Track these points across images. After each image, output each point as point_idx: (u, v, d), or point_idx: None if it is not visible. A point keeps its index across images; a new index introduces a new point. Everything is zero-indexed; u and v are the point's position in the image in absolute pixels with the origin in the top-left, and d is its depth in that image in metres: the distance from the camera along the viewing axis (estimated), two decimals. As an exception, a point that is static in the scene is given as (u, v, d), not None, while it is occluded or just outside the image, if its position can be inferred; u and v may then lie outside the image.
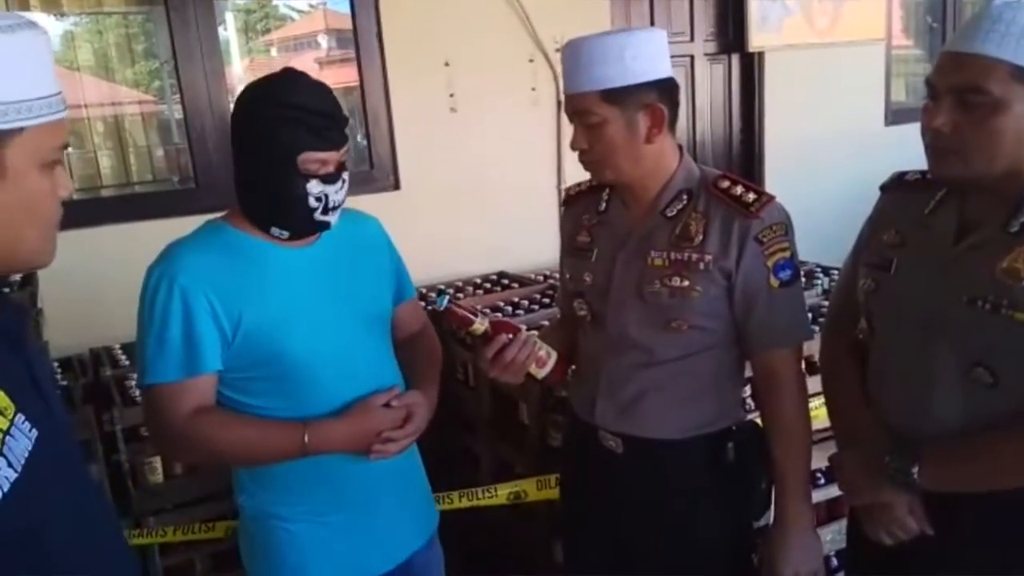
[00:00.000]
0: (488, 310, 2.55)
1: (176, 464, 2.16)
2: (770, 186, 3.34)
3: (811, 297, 2.54)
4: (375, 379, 1.41)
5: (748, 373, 1.48)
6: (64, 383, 2.25)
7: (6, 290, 2.15)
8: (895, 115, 4.47)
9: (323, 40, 4.16)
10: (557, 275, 1.79)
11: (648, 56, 1.32)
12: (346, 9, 3.13)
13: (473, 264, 3.26)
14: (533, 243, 3.30)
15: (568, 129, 1.39)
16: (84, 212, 2.67)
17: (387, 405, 1.38)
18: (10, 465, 0.76)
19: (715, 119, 4.11)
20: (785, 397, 1.39)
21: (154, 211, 2.75)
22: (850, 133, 4.24)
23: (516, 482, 2.20)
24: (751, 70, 4.07)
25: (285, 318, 1.32)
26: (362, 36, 3.10)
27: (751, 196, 1.35)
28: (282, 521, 1.39)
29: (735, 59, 4.06)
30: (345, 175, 1.34)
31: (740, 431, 1.45)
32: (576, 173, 1.46)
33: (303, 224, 1.33)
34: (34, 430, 0.81)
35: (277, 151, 1.26)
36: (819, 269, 2.86)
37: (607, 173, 1.38)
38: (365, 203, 1.60)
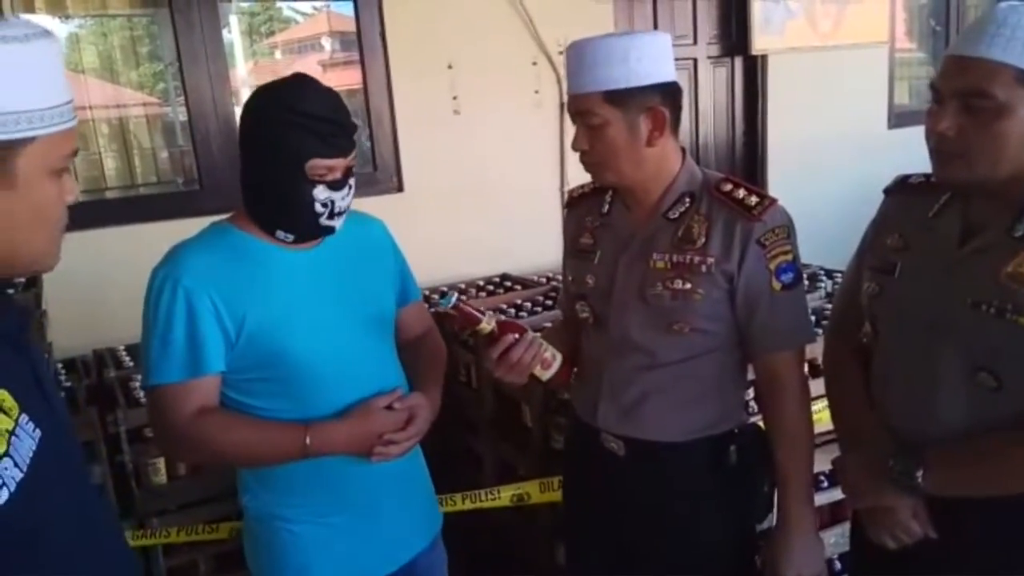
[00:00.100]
0: (491, 312, 2.55)
1: (180, 465, 2.16)
2: (773, 189, 3.35)
3: (814, 300, 2.53)
4: (378, 381, 1.41)
5: (751, 376, 1.48)
6: (68, 384, 2.25)
7: (10, 291, 2.16)
8: (898, 118, 4.46)
9: (327, 42, 4.17)
10: (560, 277, 1.79)
11: (652, 59, 1.32)
12: (350, 11, 3.15)
13: (476, 266, 3.26)
14: (536, 245, 3.30)
15: (571, 132, 1.39)
16: (89, 214, 2.67)
17: (389, 407, 1.38)
18: (16, 465, 0.77)
19: (718, 122, 4.11)
20: (787, 400, 1.39)
21: (158, 213, 2.75)
22: (853, 136, 4.23)
23: (519, 484, 2.20)
24: (754, 73, 4.07)
25: (288, 320, 1.32)
26: (366, 38, 3.11)
27: (753, 199, 1.35)
28: (286, 522, 1.39)
29: (738, 62, 4.07)
30: (352, 181, 1.35)
31: (742, 434, 1.45)
32: (579, 175, 1.46)
33: (308, 228, 1.34)
34: (38, 430, 0.81)
35: (285, 156, 1.27)
36: (822, 272, 2.86)
37: (608, 175, 1.39)
38: (369, 205, 1.60)
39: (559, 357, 1.41)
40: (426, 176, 3.22)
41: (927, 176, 1.27)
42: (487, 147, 3.31)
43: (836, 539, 2.03)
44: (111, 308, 2.47)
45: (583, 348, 1.53)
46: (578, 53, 1.34)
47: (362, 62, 3.13)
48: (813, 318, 1.79)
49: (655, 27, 3.76)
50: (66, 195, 0.87)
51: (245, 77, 3.64)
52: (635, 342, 1.41)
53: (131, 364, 2.39)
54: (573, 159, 1.44)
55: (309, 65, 4.25)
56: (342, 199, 1.33)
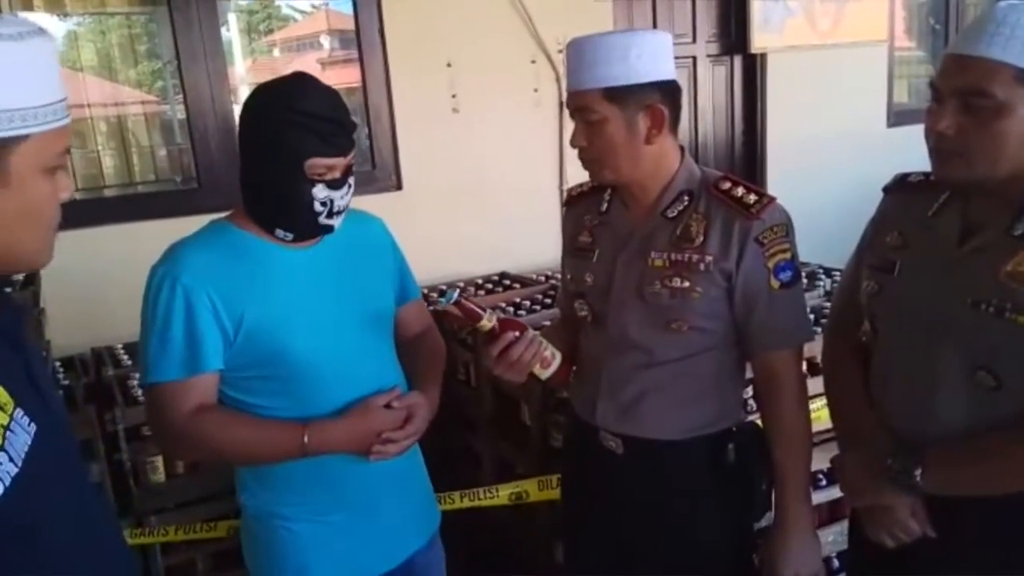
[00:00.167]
0: (491, 309, 2.55)
1: (178, 463, 2.16)
2: (772, 187, 3.35)
3: (813, 298, 2.54)
4: (377, 379, 1.41)
5: (749, 374, 1.48)
6: (66, 383, 2.25)
7: (8, 290, 2.15)
8: (897, 117, 4.46)
9: (325, 40, 4.17)
10: (559, 276, 1.79)
11: (652, 57, 1.32)
12: (348, 10, 3.14)
13: (475, 264, 3.26)
14: (535, 244, 3.30)
15: (570, 130, 1.39)
16: (87, 212, 2.67)
17: (388, 406, 1.38)
18: (11, 460, 0.77)
19: (717, 120, 4.11)
20: (786, 398, 1.39)
21: (156, 211, 2.75)
22: (852, 134, 4.23)
23: (518, 482, 2.20)
24: (753, 71, 4.07)
25: (287, 318, 1.32)
26: (364, 36, 3.11)
27: (752, 197, 1.35)
28: (284, 520, 1.39)
29: (737, 60, 4.06)
30: (351, 180, 1.35)
31: (741, 432, 1.45)
32: (578, 174, 1.46)
33: (307, 227, 1.34)
34: (33, 424, 0.81)
35: (285, 155, 1.27)
36: (821, 270, 2.86)
37: (605, 173, 1.38)
38: (367, 203, 1.60)
39: (559, 356, 1.41)
40: (425, 174, 3.21)
41: (926, 175, 1.27)
42: (486, 145, 3.30)
43: (835, 537, 2.03)
44: (109, 306, 2.47)
45: (582, 346, 1.53)
46: (578, 50, 1.34)
47: (361, 60, 3.13)
48: (812, 317, 1.79)
49: (654, 25, 3.76)
50: (60, 192, 0.87)
51: (244, 75, 3.64)
52: (633, 340, 1.41)
53: (129, 362, 2.39)
54: (572, 158, 1.44)
55: (308, 63, 4.26)
56: (341, 198, 1.33)
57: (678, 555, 1.44)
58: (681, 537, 1.43)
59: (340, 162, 1.30)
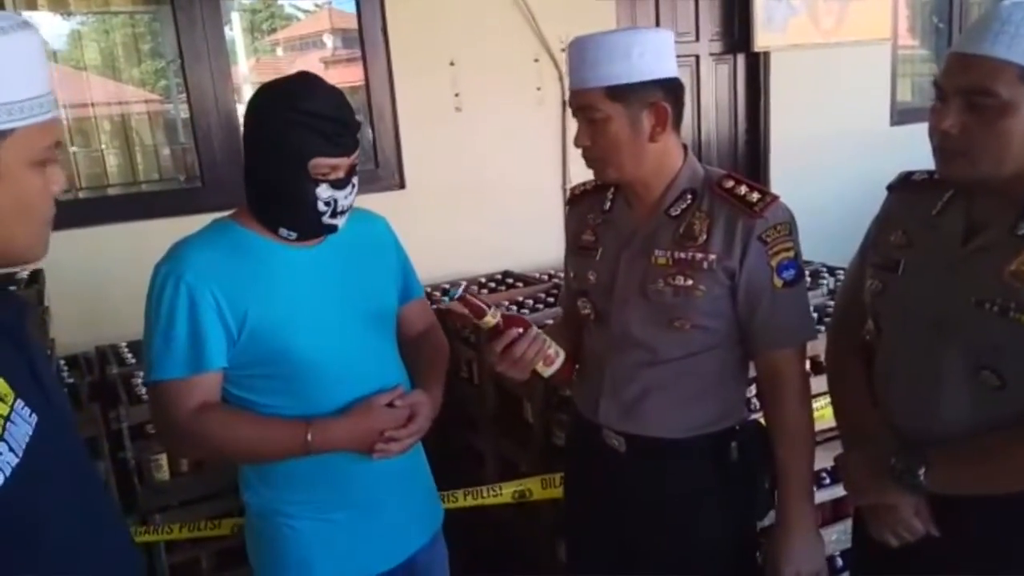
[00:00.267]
0: (495, 306, 2.55)
1: (182, 461, 2.17)
2: (775, 186, 3.34)
3: (817, 297, 2.53)
4: (380, 378, 1.41)
5: (752, 373, 1.48)
6: (71, 381, 2.25)
7: (12, 288, 2.16)
8: (900, 115, 4.46)
9: (328, 39, 4.17)
10: (562, 275, 1.80)
11: (655, 55, 1.32)
12: (351, 9, 3.14)
13: (477, 263, 3.26)
14: (538, 242, 3.30)
15: (573, 129, 1.39)
16: (90, 211, 2.68)
17: (391, 404, 1.38)
18: (11, 450, 0.77)
19: (720, 119, 4.11)
20: (789, 397, 1.39)
21: (160, 210, 2.76)
22: (855, 133, 4.23)
23: (521, 481, 2.20)
24: (756, 70, 4.06)
25: (290, 316, 1.32)
26: (367, 35, 3.11)
27: (755, 196, 1.35)
28: (287, 518, 1.40)
29: (740, 59, 4.06)
30: (355, 179, 1.35)
31: (743, 431, 1.45)
32: (581, 173, 1.46)
33: (311, 227, 1.34)
34: (34, 415, 0.81)
35: (288, 155, 1.27)
36: (825, 269, 2.86)
37: (609, 171, 1.38)
38: (370, 202, 1.60)
39: (562, 354, 1.41)
40: (428, 173, 3.22)
41: (930, 173, 1.26)
42: (489, 144, 3.30)
43: (838, 536, 2.03)
44: (113, 305, 2.47)
45: (585, 345, 1.53)
46: (581, 49, 1.33)
47: (364, 59, 3.13)
48: (815, 315, 1.78)
49: (657, 24, 3.75)
50: (52, 186, 0.87)
51: (247, 74, 3.64)
52: (636, 338, 1.41)
53: (133, 361, 2.40)
54: (575, 156, 1.44)
55: (311, 62, 4.26)
56: (345, 198, 1.33)
57: (681, 554, 1.43)
58: (684, 536, 1.43)
59: (344, 162, 1.30)
